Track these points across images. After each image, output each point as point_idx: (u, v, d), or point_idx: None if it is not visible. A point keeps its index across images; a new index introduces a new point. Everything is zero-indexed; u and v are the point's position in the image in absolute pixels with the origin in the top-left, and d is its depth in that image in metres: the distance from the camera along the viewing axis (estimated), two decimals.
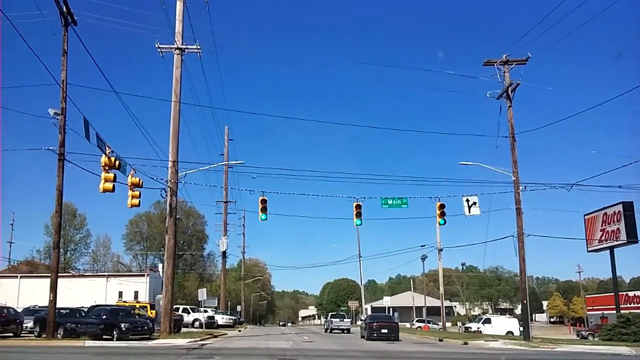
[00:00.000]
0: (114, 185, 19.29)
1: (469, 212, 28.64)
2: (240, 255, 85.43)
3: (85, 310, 30.44)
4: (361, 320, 50.63)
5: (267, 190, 29.00)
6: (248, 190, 29.05)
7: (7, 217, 78.79)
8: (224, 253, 62.50)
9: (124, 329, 25.71)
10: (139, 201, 22.73)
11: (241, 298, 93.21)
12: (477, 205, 28.45)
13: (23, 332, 28.03)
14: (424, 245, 55.60)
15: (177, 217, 33.67)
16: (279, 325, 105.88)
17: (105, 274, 66.28)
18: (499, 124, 31.60)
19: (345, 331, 48.63)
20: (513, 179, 30.95)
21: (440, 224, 28.75)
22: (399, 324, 38.19)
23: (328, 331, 48.85)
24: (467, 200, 28.44)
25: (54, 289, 23.73)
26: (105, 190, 19.07)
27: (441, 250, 51.68)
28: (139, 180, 22.73)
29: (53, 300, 23.53)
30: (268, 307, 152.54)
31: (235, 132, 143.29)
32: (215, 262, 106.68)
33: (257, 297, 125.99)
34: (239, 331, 48.81)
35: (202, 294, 39.50)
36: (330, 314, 58.29)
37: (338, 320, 50.09)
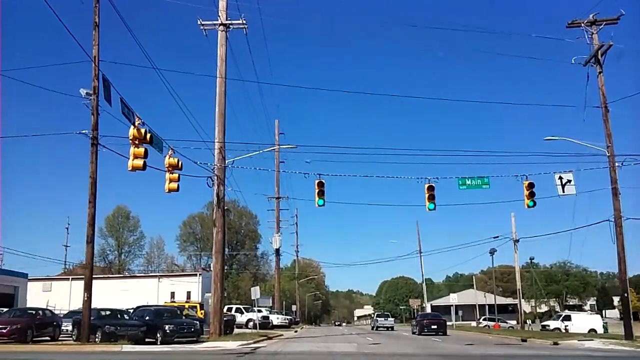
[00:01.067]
0: (144, 163, 16.29)
1: (563, 192, 24.45)
2: (293, 254, 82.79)
3: (130, 311, 27.91)
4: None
5: (323, 173, 25.49)
6: (302, 173, 25.66)
7: (62, 221, 78.74)
8: (278, 250, 59.92)
9: (168, 331, 22.97)
10: (178, 185, 19.79)
11: (296, 298, 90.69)
12: (572, 183, 24.24)
13: (62, 335, 25.70)
14: (497, 237, 50.78)
15: (229, 215, 30.83)
16: (335, 325, 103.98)
17: (158, 274, 64.61)
18: (586, 94, 27.40)
19: (390, 329, 53.14)
20: (607, 154, 26.65)
21: (529, 206, 24.55)
22: (463, 322, 44.41)
23: (374, 329, 54.24)
24: (560, 178, 24.25)
25: (88, 288, 21.09)
26: (135, 168, 16.12)
27: (517, 241, 47.17)
28: (178, 161, 19.78)
29: (87, 301, 20.89)
30: (323, 307, 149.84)
31: (284, 113, 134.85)
32: (268, 262, 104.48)
33: (312, 297, 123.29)
34: (295, 332, 45.90)
35: (255, 292, 36.56)
36: (376, 313, 67.20)
37: (382, 319, 56.02)
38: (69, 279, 60.42)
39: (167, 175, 19.58)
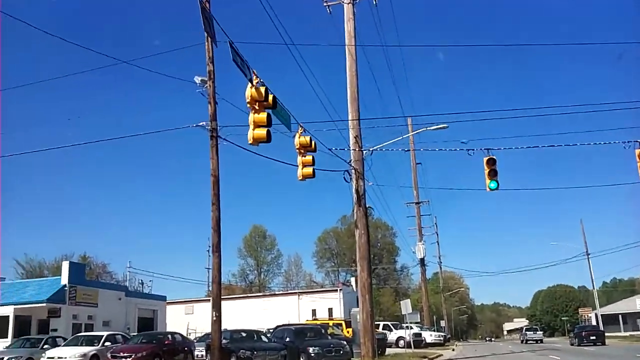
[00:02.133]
0: (268, 132, 12.26)
1: None
2: (435, 266, 76.54)
3: (269, 331, 24.27)
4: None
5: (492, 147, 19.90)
6: (466, 150, 20.33)
7: (203, 244, 79.04)
8: (422, 260, 54.35)
9: (312, 354, 18.87)
10: (314, 170, 15.66)
11: (442, 312, 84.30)
12: None
13: None
14: None
15: (372, 214, 26.68)
16: (486, 341, 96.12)
17: (297, 291, 61.77)
18: None
19: (539, 342, 54.65)
20: None
21: None
22: None
23: (523, 342, 56.45)
24: None
25: (216, 306, 17.51)
26: (257, 140, 12.16)
27: None
28: (311, 140, 15.68)
29: (217, 321, 17.28)
30: (469, 321, 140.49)
31: (416, 83, 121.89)
32: (409, 275, 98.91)
33: (457, 312, 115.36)
34: (453, 350, 40.31)
35: (405, 306, 31.66)
36: (524, 327, 70.08)
37: (532, 332, 59.66)
38: (209, 300, 59.39)
39: (299, 158, 15.57)
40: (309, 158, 15.70)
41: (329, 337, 22.79)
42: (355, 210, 23.58)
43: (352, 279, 61.69)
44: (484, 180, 20.14)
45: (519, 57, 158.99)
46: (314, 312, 56.29)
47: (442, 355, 30.82)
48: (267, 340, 20.93)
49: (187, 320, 56.16)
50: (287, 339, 21.02)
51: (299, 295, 57.63)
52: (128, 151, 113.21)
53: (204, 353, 23.50)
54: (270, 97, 12.32)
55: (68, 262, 31.55)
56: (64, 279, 31.21)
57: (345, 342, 21.70)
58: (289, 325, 26.40)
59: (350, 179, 22.70)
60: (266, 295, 64.89)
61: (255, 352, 18.80)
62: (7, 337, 28.93)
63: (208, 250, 76.30)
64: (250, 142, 12.28)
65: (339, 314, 54.45)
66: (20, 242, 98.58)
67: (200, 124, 18.58)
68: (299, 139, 15.60)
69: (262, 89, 12.12)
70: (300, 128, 15.89)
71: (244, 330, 21.80)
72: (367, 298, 21.81)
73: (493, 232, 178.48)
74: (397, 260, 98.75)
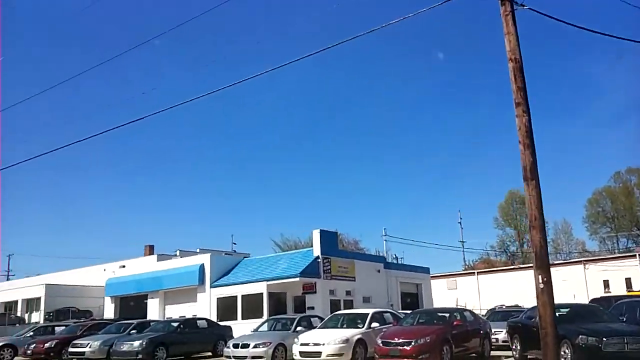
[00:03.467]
0: None
1: None
2: None
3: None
4: None
5: None
6: None
7: (453, 215, 72.34)
8: None
9: None
10: None
11: None
12: None
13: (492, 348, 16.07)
14: None
15: None
16: None
17: (582, 259, 51.42)
18: None
19: None
20: None
21: None
22: None
23: None
24: None
25: (543, 265, 10.40)
26: None
27: None
28: None
29: (547, 289, 10.23)
30: None
31: None
32: None
33: None
34: None
35: None
36: None
37: None
38: (474, 273, 52.59)
39: None
40: None
41: None
42: None
43: None
44: None
45: None
46: (606, 283, 45.97)
47: None
48: (610, 320, 13.32)
49: (451, 296, 50.22)
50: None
51: (584, 264, 47.45)
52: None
53: (505, 337, 16.85)
54: None
55: (319, 230, 27.34)
56: (316, 250, 27.15)
57: None
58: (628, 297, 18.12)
59: None
60: (553, 264, 55.82)
61: (608, 339, 11.42)
62: (262, 316, 25.79)
63: (460, 222, 69.58)
64: None
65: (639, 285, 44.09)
66: (276, 224, 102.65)
67: None
68: None
69: None
70: None
71: (575, 306, 14.43)
72: None
73: None
74: None
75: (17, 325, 35.05)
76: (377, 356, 14.32)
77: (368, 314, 16.48)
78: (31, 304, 41.34)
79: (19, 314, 40.89)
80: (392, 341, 14.05)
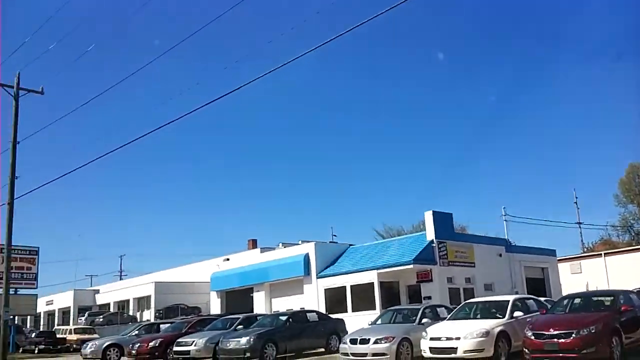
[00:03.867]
0: None
1: None
2: None
3: None
4: None
5: None
6: None
7: (570, 195, 66.63)
8: None
9: None
10: None
11: None
12: None
13: None
14: None
15: None
16: None
17: None
18: None
19: None
20: None
21: None
22: None
23: None
24: None
25: None
26: None
27: None
28: None
29: None
30: None
31: None
32: None
33: None
34: None
35: None
36: None
37: None
38: (600, 255, 47.59)
39: None
40: None
41: None
42: None
43: None
44: None
45: None
46: None
47: None
48: None
49: (575, 281, 45.65)
50: None
51: None
52: None
53: None
54: None
55: (431, 211, 24.80)
56: (430, 234, 24.60)
57: None
58: None
59: None
60: None
61: None
62: (374, 309, 23.70)
63: (575, 202, 63.55)
64: None
65: None
66: (379, 213, 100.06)
67: None
68: None
69: None
70: None
71: None
72: None
73: None
74: None
75: (130, 323, 35.26)
76: (526, 351, 11.76)
77: (508, 301, 13.82)
78: (142, 303, 41.85)
79: (131, 313, 41.51)
80: (547, 333, 11.46)
